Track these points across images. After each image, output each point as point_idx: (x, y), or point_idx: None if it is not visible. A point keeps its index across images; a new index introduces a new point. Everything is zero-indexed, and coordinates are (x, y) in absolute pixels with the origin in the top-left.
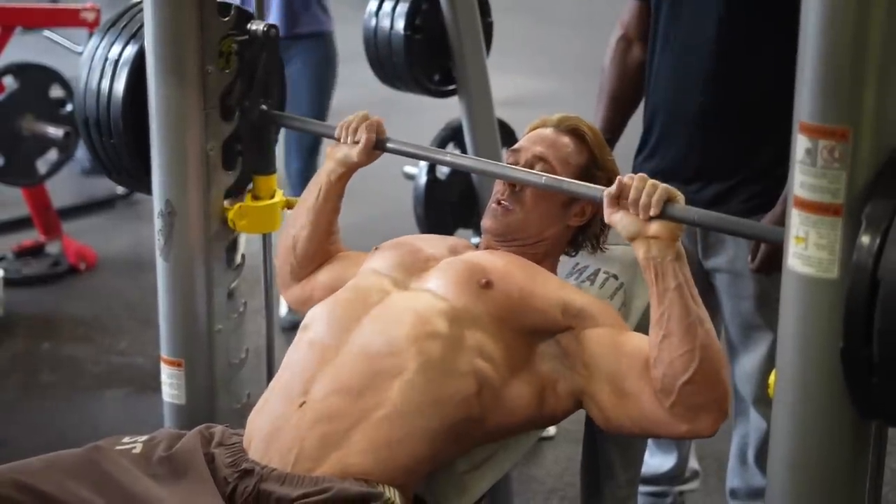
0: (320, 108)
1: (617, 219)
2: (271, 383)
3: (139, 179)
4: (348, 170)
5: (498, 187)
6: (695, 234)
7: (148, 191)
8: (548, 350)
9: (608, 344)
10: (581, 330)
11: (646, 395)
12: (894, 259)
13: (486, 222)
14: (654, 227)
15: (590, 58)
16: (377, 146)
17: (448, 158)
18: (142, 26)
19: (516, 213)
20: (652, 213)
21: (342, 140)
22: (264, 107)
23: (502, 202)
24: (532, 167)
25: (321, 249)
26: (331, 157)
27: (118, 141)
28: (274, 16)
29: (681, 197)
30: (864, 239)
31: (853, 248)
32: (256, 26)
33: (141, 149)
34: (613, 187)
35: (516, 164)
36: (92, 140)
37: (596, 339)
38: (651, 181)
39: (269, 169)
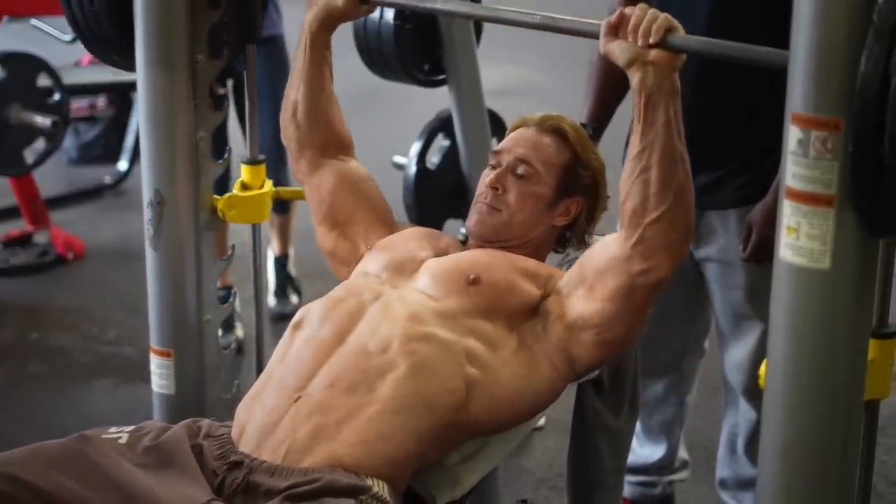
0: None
1: (614, 46)
2: (262, 377)
3: (120, 51)
4: (329, 16)
5: (481, 188)
6: None
7: (127, 64)
8: (533, 324)
9: (572, 269)
10: (553, 287)
11: (608, 252)
12: None
13: (471, 224)
14: (654, 53)
15: (579, 48)
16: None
17: (438, 6)
18: None
19: (501, 214)
20: (652, 39)
21: None
22: None
23: (486, 203)
24: (514, 169)
25: (321, 111)
26: (312, 2)
27: (99, 8)
28: None
29: (681, 28)
30: (874, 38)
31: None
32: None
33: (122, 18)
34: (613, 16)
35: (499, 165)
36: (73, 10)
37: (563, 278)
38: (652, 10)
39: (254, 37)
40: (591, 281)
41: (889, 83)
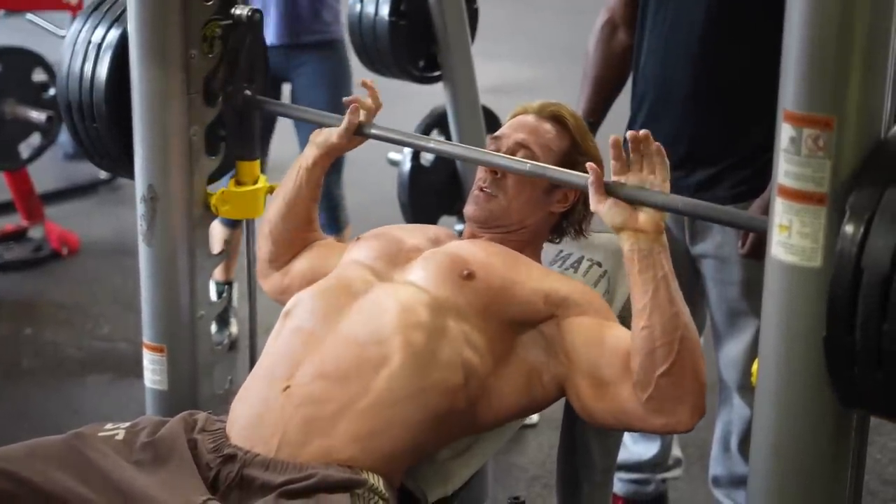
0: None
1: (604, 209)
2: (253, 369)
3: (122, 164)
4: (327, 153)
5: (480, 174)
6: (682, 219)
7: (130, 175)
8: (532, 339)
9: (590, 335)
10: (563, 318)
11: (625, 389)
12: (878, 248)
13: (469, 209)
14: (643, 218)
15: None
16: (359, 131)
17: (432, 145)
18: (125, 10)
19: (499, 199)
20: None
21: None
22: (248, 92)
23: (484, 189)
24: (514, 154)
25: (299, 237)
26: (312, 141)
27: (101, 125)
28: (273, 23)
29: (666, 187)
30: (848, 228)
31: (837, 237)
32: (240, 10)
33: (123, 133)
34: (599, 176)
35: (498, 150)
36: (75, 124)
37: (578, 329)
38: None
39: (252, 154)
40: (603, 384)
41: (861, 275)
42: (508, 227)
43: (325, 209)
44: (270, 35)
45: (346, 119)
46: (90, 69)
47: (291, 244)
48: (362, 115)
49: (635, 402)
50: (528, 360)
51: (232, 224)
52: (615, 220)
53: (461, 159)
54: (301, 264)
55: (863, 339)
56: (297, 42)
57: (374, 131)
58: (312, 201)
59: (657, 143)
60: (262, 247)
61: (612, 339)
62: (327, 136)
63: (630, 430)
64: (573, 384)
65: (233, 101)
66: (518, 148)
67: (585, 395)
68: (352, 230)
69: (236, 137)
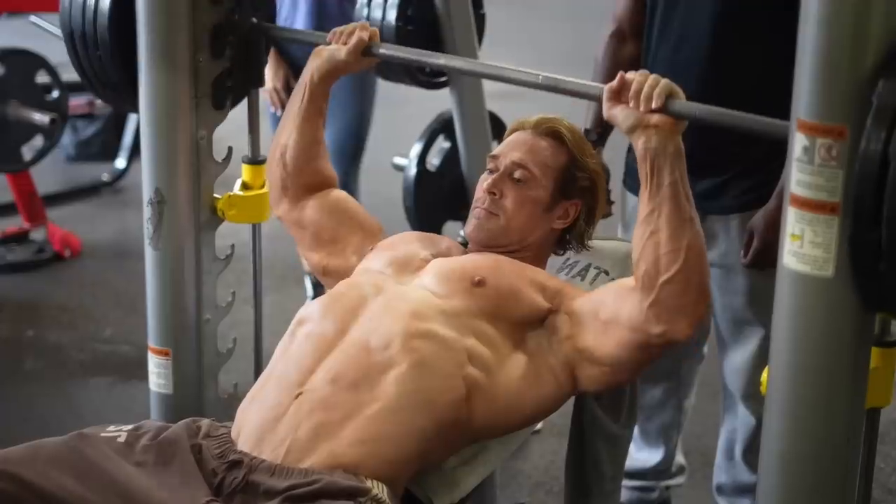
0: (361, 116)
1: (616, 112)
2: (263, 374)
3: (124, 93)
4: (333, 69)
5: (479, 193)
6: None
7: (133, 106)
8: (538, 336)
9: (585, 300)
10: (562, 305)
11: (625, 308)
12: None
13: (469, 229)
14: (656, 118)
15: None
16: (367, 52)
17: (442, 62)
18: None
19: (498, 219)
20: (654, 105)
21: (334, 42)
22: (254, 19)
23: (484, 208)
24: (511, 174)
25: (309, 158)
26: (317, 54)
27: (104, 53)
28: (301, 19)
29: (681, 93)
30: (874, 121)
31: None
32: None
33: (126, 61)
34: (615, 82)
35: (496, 170)
36: (77, 53)
37: (575, 302)
38: (653, 75)
39: (261, 80)
40: (605, 321)
41: (888, 167)
42: (509, 245)
43: None
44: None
45: (355, 35)
46: None
47: (303, 167)
48: (367, 36)
49: (637, 309)
50: (537, 354)
51: None
52: (629, 121)
53: (470, 74)
54: (313, 214)
55: (889, 234)
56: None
57: (382, 51)
58: (318, 117)
59: (638, 78)
60: (274, 172)
61: (603, 290)
62: (334, 51)
63: (636, 351)
64: (581, 349)
65: (240, 29)
66: (515, 167)
67: (594, 347)
68: None
69: (244, 66)
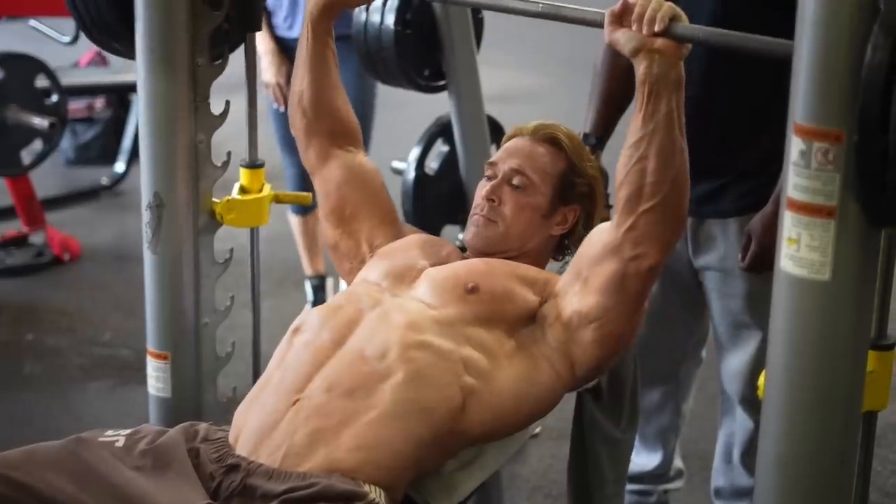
0: (363, 115)
1: (618, 35)
2: (261, 380)
3: (119, 35)
4: (330, 3)
5: (477, 200)
6: (685, 233)
7: (128, 50)
8: (532, 330)
9: (566, 273)
10: (550, 293)
11: (602, 238)
12: None
13: (468, 237)
14: (660, 41)
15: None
16: None
17: None
18: None
19: (497, 226)
20: (657, 28)
21: None
22: None
23: (482, 215)
24: (510, 180)
25: (327, 101)
26: None
27: None
28: (302, 18)
29: (685, 17)
30: (880, 28)
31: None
32: None
33: (122, 3)
34: (617, 5)
35: (494, 177)
36: None
37: (559, 283)
38: None
39: (257, 24)
40: (585, 272)
41: (895, 75)
42: (508, 252)
43: None
44: (300, 28)
45: None
46: None
47: (321, 113)
48: None
49: (613, 234)
50: (533, 348)
51: (302, 211)
52: (631, 43)
53: (475, 6)
54: (339, 176)
55: None
56: None
57: None
58: (327, 55)
59: (641, 1)
60: (297, 121)
61: (582, 246)
62: None
63: (619, 294)
64: (568, 319)
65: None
66: (513, 174)
67: (577, 308)
68: None
69: (241, 8)
